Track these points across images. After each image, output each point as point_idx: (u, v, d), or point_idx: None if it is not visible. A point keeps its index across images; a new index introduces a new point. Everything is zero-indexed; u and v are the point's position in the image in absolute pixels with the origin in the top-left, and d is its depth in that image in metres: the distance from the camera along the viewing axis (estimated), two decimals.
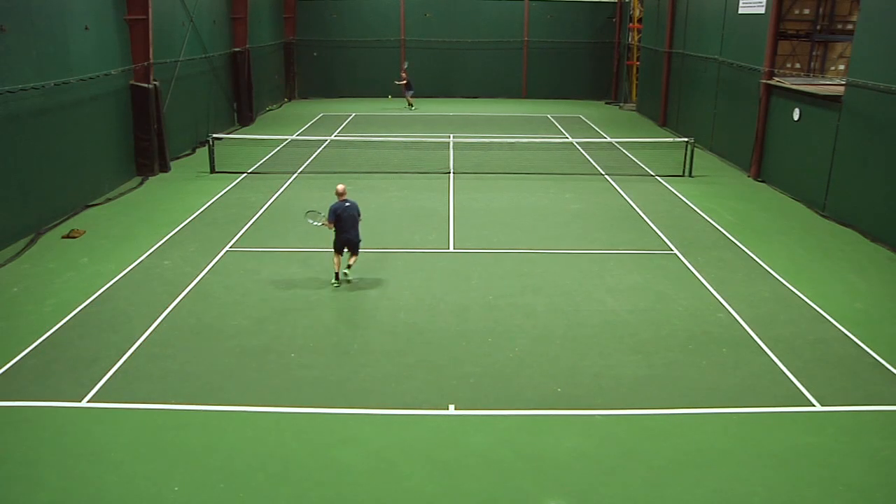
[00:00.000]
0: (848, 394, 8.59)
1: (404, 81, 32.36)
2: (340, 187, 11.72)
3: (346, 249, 11.65)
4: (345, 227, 11.45)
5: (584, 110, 33.64)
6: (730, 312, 10.81)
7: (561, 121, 30.10)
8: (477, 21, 37.10)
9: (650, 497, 6.74)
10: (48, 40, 14.61)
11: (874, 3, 14.79)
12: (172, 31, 20.99)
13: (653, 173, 20.19)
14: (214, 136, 20.30)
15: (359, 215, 11.63)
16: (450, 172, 19.84)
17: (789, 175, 18.20)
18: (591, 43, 37.63)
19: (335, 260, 11.71)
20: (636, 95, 34.36)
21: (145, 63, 18.59)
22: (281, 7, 34.50)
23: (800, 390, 8.65)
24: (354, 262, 11.79)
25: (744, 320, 10.53)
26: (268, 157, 21.71)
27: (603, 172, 20.21)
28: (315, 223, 11.80)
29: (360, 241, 11.72)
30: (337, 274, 11.69)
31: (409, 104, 32.65)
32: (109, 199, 16.78)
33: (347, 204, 11.48)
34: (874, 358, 9.47)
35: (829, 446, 7.54)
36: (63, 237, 13.94)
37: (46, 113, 14.62)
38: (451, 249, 13.60)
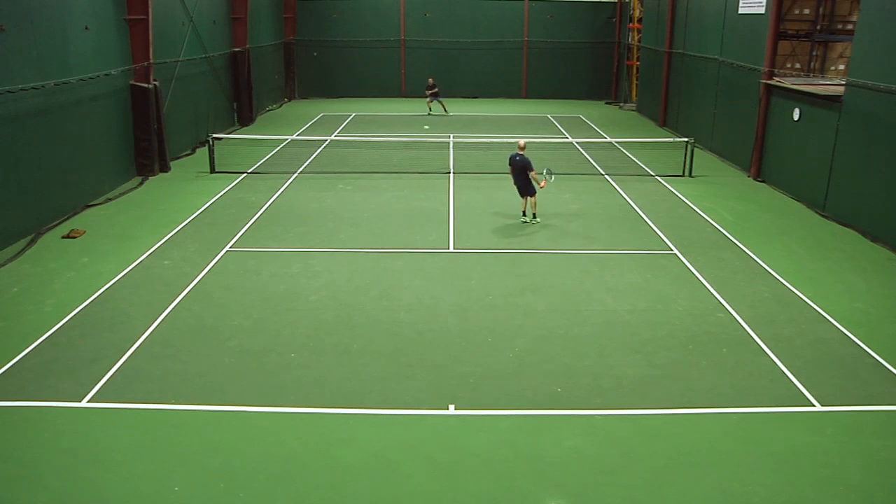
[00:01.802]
0: (848, 394, 8.59)
1: (434, 91, 31.04)
2: (522, 142, 14.90)
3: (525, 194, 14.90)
4: (513, 174, 14.82)
5: (584, 110, 33.64)
6: (730, 312, 10.81)
7: (561, 121, 30.10)
8: (477, 21, 37.10)
9: (650, 497, 6.74)
10: (48, 40, 14.61)
11: (874, 3, 14.79)
12: (172, 31, 20.99)
13: (653, 173, 20.19)
14: (214, 136, 20.30)
15: (529, 168, 14.52)
16: (450, 172, 19.85)
17: (789, 175, 18.20)
18: (591, 43, 37.64)
19: (525, 201, 15.07)
20: (636, 95, 34.36)
21: (145, 63, 18.60)
22: (281, 7, 34.51)
23: (800, 390, 8.65)
24: (533, 205, 15.00)
25: (744, 320, 10.54)
26: (268, 157, 21.72)
27: (603, 172, 20.21)
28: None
29: (529, 188, 14.77)
30: (534, 214, 15.10)
31: (430, 109, 31.43)
32: (109, 199, 16.78)
33: (518, 157, 14.59)
34: (874, 358, 9.47)
35: (829, 446, 7.54)
36: (63, 237, 13.94)
37: (46, 113, 14.62)
38: (451, 249, 13.60)
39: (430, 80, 31.76)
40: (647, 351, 9.58)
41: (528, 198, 14.99)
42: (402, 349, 9.58)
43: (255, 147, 22.95)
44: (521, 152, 14.73)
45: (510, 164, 14.87)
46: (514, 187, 15.18)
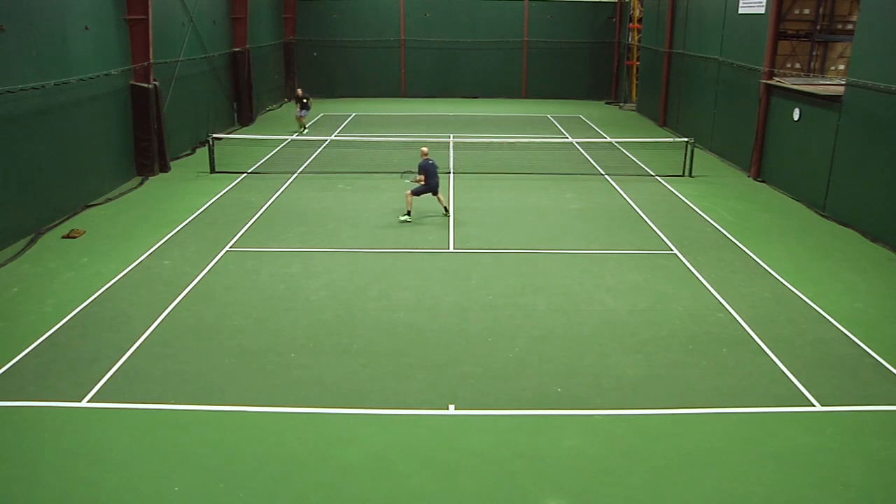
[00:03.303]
0: (848, 394, 8.59)
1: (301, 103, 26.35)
2: (425, 149, 15.67)
3: (430, 194, 15.57)
4: (432, 176, 15.33)
5: (584, 110, 33.64)
6: (730, 312, 10.81)
7: (561, 121, 30.10)
8: (477, 21, 37.11)
9: (650, 497, 6.74)
10: (48, 40, 14.61)
11: (874, 3, 14.78)
12: (172, 31, 20.99)
13: (653, 173, 20.19)
14: (214, 136, 20.30)
15: (438, 167, 15.60)
16: (450, 172, 19.84)
17: (789, 175, 18.20)
18: (591, 43, 37.65)
19: (410, 200, 15.29)
20: (636, 95, 34.37)
21: (145, 63, 18.59)
22: (281, 7, 34.51)
23: (800, 390, 8.65)
24: (444, 199, 15.86)
25: (744, 320, 10.53)
26: (268, 157, 21.72)
27: (603, 172, 20.21)
28: (408, 180, 15.86)
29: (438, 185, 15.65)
30: (409, 212, 15.33)
31: (302, 127, 26.64)
32: (109, 199, 16.78)
33: (431, 161, 15.37)
34: (874, 358, 9.47)
35: (829, 446, 7.54)
36: (63, 237, 13.94)
37: (46, 113, 14.62)
38: (451, 249, 13.60)
39: (300, 90, 27.04)
40: (647, 351, 9.58)
41: (440, 195, 15.72)
42: (402, 349, 9.58)
43: (255, 147, 22.95)
44: (429, 157, 15.53)
45: (427, 170, 15.23)
46: (423, 191, 15.47)
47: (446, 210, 15.76)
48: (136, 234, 14.17)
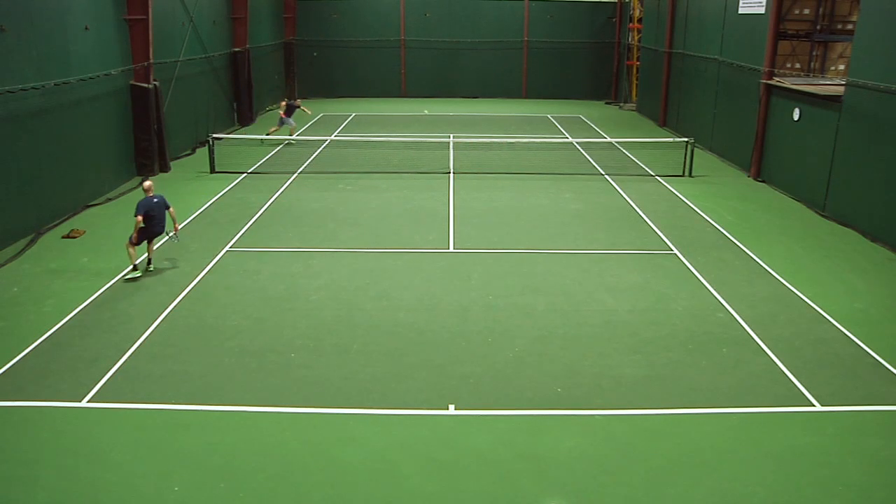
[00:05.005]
0: (848, 394, 8.59)
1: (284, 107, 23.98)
2: (147, 184, 12.21)
3: (146, 241, 12.10)
4: (154, 221, 11.96)
5: (584, 110, 33.64)
6: (730, 312, 10.81)
7: (561, 121, 30.10)
8: (477, 21, 37.11)
9: (650, 497, 6.74)
10: (48, 40, 14.61)
11: (874, 3, 14.78)
12: (172, 31, 20.99)
13: (653, 173, 20.19)
14: (214, 136, 20.29)
15: (168, 207, 12.22)
16: (450, 172, 19.84)
17: (789, 175, 18.20)
18: (591, 43, 37.64)
19: (132, 252, 11.81)
20: (636, 95, 34.36)
21: (145, 63, 18.59)
22: (281, 7, 34.50)
23: (800, 390, 8.65)
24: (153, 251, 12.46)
25: (744, 320, 10.53)
26: (268, 157, 21.72)
27: (603, 172, 20.21)
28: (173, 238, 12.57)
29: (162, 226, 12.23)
30: (135, 266, 11.92)
31: (263, 138, 23.36)
32: (109, 199, 16.78)
33: (156, 200, 12.08)
34: (874, 358, 9.47)
35: (829, 446, 7.54)
36: (63, 237, 13.94)
37: (46, 113, 14.62)
38: (451, 249, 13.60)
39: (290, 100, 24.57)
40: (647, 351, 9.58)
41: (152, 245, 12.31)
42: (402, 349, 9.58)
43: (255, 147, 22.95)
44: (156, 194, 12.25)
45: (152, 210, 11.89)
46: (143, 238, 12.04)
47: (150, 263, 12.19)
48: None
